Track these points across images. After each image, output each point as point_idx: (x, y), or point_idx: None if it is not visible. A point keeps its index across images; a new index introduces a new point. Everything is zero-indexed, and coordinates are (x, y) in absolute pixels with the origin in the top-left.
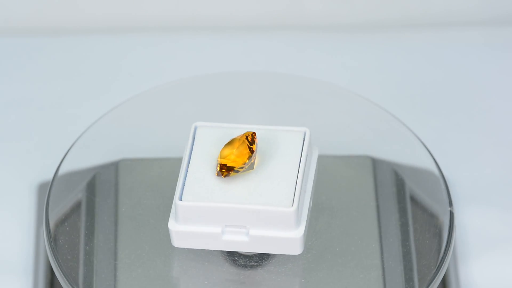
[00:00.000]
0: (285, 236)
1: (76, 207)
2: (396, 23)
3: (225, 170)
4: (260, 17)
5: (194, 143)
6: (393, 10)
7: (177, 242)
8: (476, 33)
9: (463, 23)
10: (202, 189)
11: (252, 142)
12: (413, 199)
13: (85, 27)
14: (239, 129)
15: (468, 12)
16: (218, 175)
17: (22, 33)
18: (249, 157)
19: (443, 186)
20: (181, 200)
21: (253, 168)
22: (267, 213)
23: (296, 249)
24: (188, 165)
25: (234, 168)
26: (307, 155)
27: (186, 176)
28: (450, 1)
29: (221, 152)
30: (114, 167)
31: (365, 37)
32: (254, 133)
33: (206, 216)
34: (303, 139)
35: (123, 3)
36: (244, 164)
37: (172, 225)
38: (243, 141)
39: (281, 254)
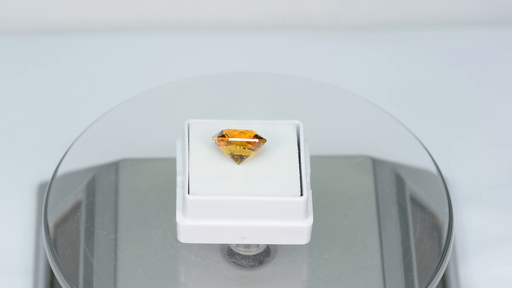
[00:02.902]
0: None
1: (76, 207)
2: (396, 23)
3: (220, 137)
4: (260, 17)
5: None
6: (393, 10)
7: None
8: (476, 33)
9: (463, 23)
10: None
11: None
12: (413, 199)
13: (85, 27)
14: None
15: (468, 13)
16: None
17: (22, 33)
18: (250, 142)
19: (442, 186)
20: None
21: (238, 163)
22: (193, 204)
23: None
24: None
25: (231, 137)
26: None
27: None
28: (450, 2)
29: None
30: (114, 167)
31: (365, 37)
32: (264, 140)
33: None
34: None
35: (124, 4)
36: (239, 140)
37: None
38: (252, 135)
39: (280, 255)
